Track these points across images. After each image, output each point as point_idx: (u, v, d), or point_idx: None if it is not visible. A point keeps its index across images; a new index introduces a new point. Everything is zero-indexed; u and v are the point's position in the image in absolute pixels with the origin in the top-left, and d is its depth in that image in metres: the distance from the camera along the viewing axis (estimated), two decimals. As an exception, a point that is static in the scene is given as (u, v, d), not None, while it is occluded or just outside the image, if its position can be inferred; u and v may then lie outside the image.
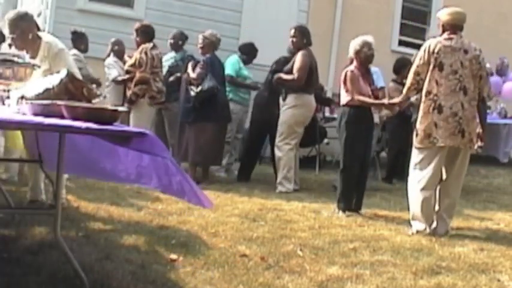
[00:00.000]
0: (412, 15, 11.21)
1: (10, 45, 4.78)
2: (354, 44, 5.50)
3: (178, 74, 7.30)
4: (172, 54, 7.74)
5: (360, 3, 10.49)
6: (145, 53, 6.79)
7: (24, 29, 4.38)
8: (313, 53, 6.73)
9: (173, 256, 3.63)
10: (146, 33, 6.95)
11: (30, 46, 4.46)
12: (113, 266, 3.31)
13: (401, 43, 10.82)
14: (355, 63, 5.51)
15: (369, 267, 3.66)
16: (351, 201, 5.41)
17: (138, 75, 6.77)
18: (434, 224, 4.73)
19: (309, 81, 6.51)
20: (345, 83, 5.42)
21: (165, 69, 7.51)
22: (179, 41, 7.66)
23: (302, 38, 6.57)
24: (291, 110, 6.57)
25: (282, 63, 6.89)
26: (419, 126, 4.71)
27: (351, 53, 5.52)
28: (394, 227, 4.90)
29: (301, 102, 6.57)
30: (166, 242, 3.96)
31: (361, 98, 5.32)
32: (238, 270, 3.45)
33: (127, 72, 7.03)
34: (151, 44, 6.89)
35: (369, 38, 5.53)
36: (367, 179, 5.67)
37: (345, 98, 5.44)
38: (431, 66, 4.65)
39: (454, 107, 4.61)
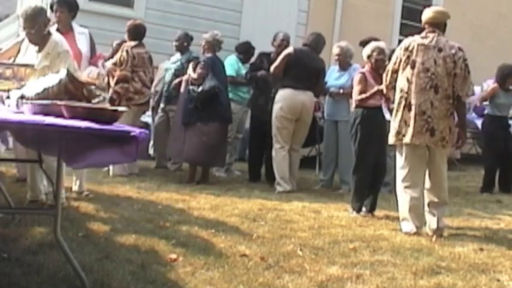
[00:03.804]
0: (412, 15, 11.18)
1: None
2: (366, 49, 5.58)
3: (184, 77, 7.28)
4: (178, 56, 7.69)
5: (359, 3, 10.49)
6: (127, 51, 6.75)
7: (41, 24, 4.43)
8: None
9: (173, 256, 3.63)
10: (135, 33, 6.91)
11: (42, 41, 4.50)
12: (113, 266, 3.31)
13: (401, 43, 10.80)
14: (367, 67, 5.56)
15: (369, 267, 3.66)
16: (363, 202, 5.42)
17: (118, 73, 6.72)
18: (427, 225, 4.73)
19: (288, 76, 6.57)
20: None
21: (170, 71, 7.49)
22: (184, 43, 7.62)
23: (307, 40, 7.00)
24: (274, 106, 6.67)
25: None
26: (392, 123, 4.79)
27: (364, 58, 5.58)
28: (394, 227, 4.90)
29: (279, 97, 6.64)
30: (166, 242, 3.96)
31: (360, 96, 5.35)
32: (238, 270, 3.45)
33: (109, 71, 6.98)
34: (135, 43, 6.84)
35: (381, 44, 5.62)
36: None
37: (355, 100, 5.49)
38: (404, 64, 4.70)
39: (423, 105, 4.62)
